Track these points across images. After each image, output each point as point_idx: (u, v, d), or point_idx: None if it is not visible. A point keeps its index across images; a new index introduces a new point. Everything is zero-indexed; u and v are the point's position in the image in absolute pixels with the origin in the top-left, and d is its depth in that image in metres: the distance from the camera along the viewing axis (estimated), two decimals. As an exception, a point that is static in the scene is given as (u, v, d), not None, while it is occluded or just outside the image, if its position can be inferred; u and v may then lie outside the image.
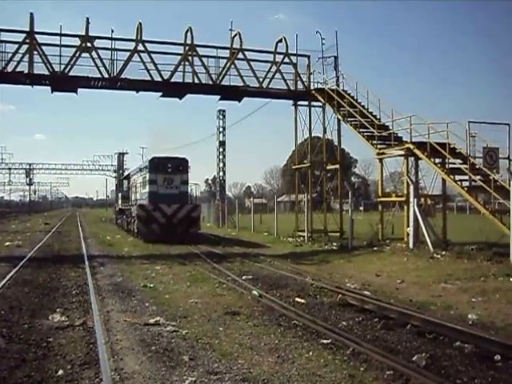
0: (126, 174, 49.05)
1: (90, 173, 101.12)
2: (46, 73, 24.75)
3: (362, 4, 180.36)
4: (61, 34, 25.03)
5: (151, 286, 14.32)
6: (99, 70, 25.29)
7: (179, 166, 31.06)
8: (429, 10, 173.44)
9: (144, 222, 29.49)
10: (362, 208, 68.49)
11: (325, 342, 8.57)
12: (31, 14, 24.55)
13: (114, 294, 12.99)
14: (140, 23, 25.86)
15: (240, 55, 27.90)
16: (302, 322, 9.84)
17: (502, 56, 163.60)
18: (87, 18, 25.16)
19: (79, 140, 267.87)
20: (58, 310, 10.97)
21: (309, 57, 30.15)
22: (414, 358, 7.66)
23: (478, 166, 20.71)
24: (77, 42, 25.20)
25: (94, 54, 25.25)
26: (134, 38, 25.99)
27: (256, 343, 8.57)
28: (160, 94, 27.93)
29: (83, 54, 25.18)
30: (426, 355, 7.77)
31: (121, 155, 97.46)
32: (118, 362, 7.60)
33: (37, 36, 24.65)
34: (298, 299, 12.14)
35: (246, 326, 9.79)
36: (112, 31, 25.86)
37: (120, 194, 47.04)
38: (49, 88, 26.04)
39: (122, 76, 25.72)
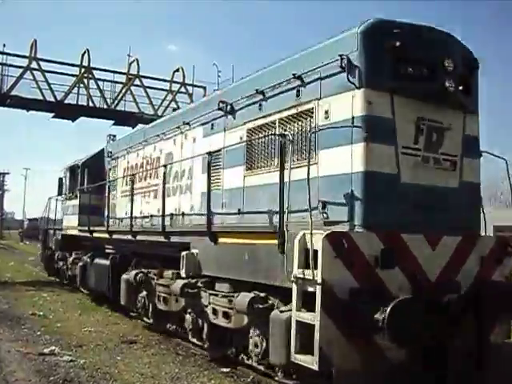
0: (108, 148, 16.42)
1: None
2: None
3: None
4: None
5: (40, 313, 13.43)
6: (-14, 86, 23.84)
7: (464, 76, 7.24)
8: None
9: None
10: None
11: (225, 370, 8.47)
12: None
13: (1, 322, 12.04)
14: (35, 40, 24.82)
15: (137, 81, 27.49)
16: (199, 352, 9.65)
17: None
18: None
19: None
20: None
21: (205, 88, 29.88)
22: None
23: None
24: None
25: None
26: (28, 54, 24.79)
27: (157, 372, 8.30)
28: (52, 114, 26.52)
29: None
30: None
31: (1, 175, 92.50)
32: (15, 394, 7.04)
33: None
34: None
35: (143, 354, 9.49)
36: (4, 45, 24.69)
37: (73, 204, 18.00)
38: None
39: (13, 93, 24.31)
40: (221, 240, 8.09)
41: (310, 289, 5.81)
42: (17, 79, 24.43)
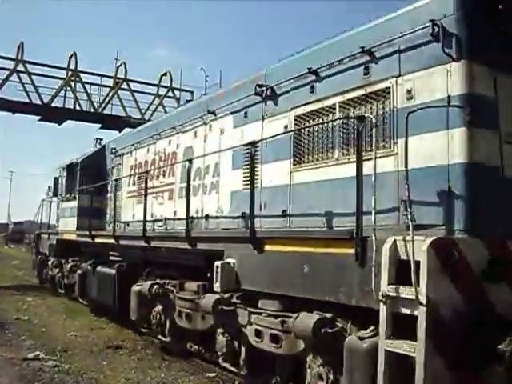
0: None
1: None
2: None
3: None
4: None
5: (25, 318, 12.76)
6: (-28, 87, 22.57)
7: None
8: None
9: None
10: None
11: (211, 375, 8.09)
12: None
13: (-15, 328, 11.23)
14: (22, 42, 23.81)
15: (124, 85, 26.46)
16: (186, 357, 9.12)
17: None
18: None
19: None
20: None
21: (192, 92, 29.03)
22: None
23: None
24: None
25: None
26: (14, 57, 23.49)
27: (142, 377, 7.97)
28: (38, 117, 25.03)
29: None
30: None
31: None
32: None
33: None
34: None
35: (129, 359, 9.08)
36: (-10, 48, 23.19)
37: (71, 206, 15.57)
38: None
39: (-2, 95, 23.02)
40: (268, 248, 6.14)
41: (405, 310, 4.32)
42: (3, 81, 23.32)
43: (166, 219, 9.54)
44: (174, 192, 9.49)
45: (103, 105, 25.94)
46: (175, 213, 9.11)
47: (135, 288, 9.61)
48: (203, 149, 8.63)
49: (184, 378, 7.93)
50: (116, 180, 12.22)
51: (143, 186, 9.94)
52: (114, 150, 13.17)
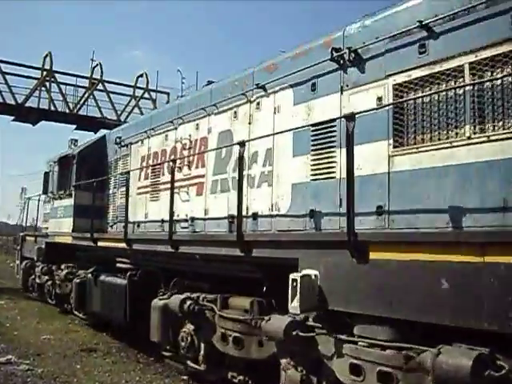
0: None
1: None
2: None
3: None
4: None
5: None
6: None
7: None
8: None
9: None
10: None
11: (185, 377, 7.80)
12: None
13: (-45, 332, 10.83)
14: None
15: (100, 86, 25.06)
16: (160, 359, 8.76)
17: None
18: None
19: None
20: None
21: (168, 94, 28.17)
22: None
23: None
24: None
25: None
26: None
27: (117, 380, 7.67)
28: (12, 117, 23.45)
29: None
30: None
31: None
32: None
33: None
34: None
35: (104, 362, 8.76)
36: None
37: (65, 205, 12.84)
38: None
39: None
40: (373, 255, 4.29)
41: None
42: (-25, 81, 22.06)
43: (192, 219, 7.50)
44: (203, 186, 7.41)
45: (78, 105, 24.51)
46: (206, 211, 7.20)
47: (158, 302, 7.52)
48: (248, 132, 6.61)
49: (159, 381, 7.71)
50: (125, 173, 9.79)
51: (160, 179, 8.05)
52: (118, 140, 10.73)
